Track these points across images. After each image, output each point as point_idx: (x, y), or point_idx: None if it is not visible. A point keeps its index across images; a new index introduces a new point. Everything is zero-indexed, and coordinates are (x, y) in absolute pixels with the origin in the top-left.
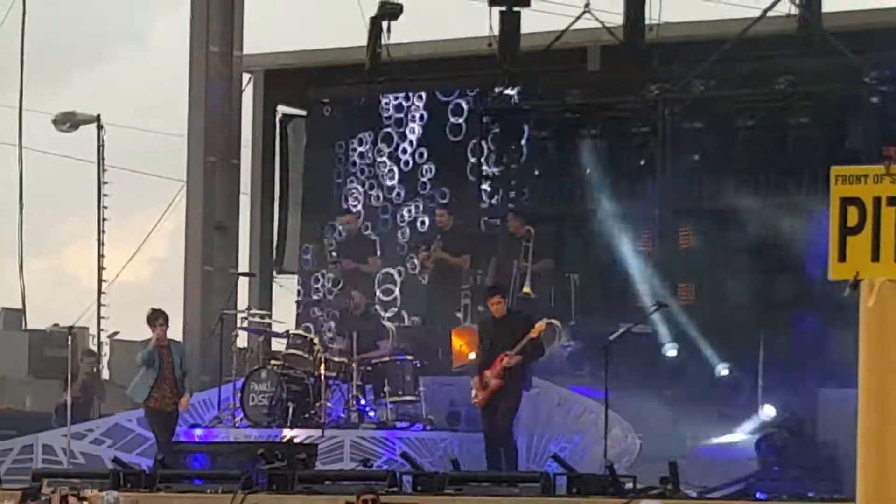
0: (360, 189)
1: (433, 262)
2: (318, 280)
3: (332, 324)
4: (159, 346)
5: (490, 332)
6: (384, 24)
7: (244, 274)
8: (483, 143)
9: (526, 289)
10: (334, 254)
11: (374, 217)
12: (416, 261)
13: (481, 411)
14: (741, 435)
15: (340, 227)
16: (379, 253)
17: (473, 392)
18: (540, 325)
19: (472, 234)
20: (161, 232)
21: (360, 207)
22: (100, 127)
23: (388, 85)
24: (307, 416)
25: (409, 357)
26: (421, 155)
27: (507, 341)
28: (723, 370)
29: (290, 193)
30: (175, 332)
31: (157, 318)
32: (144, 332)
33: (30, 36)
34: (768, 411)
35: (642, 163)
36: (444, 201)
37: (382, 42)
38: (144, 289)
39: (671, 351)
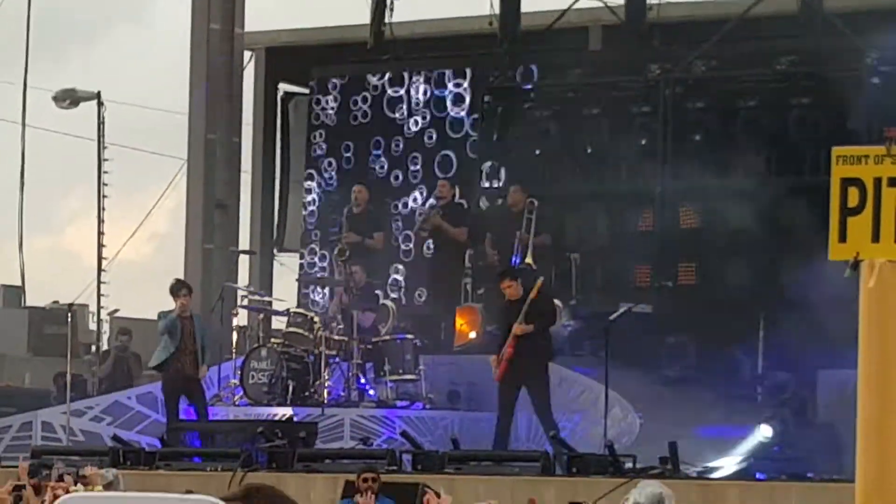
0: (366, 166)
1: (430, 227)
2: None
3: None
4: (181, 316)
5: (506, 313)
6: (388, 2)
7: (245, 252)
8: (484, 121)
9: (528, 259)
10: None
11: (378, 194)
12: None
13: (499, 386)
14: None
15: (353, 198)
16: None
17: (493, 369)
18: (538, 282)
19: (472, 209)
20: (161, 209)
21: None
22: (100, 104)
23: (390, 63)
24: (307, 394)
25: (410, 336)
26: (423, 132)
27: (521, 318)
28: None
29: (291, 171)
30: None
31: (180, 288)
32: (143, 310)
33: (30, 12)
34: (765, 431)
35: (643, 142)
36: (447, 175)
37: (386, 20)
38: (145, 266)
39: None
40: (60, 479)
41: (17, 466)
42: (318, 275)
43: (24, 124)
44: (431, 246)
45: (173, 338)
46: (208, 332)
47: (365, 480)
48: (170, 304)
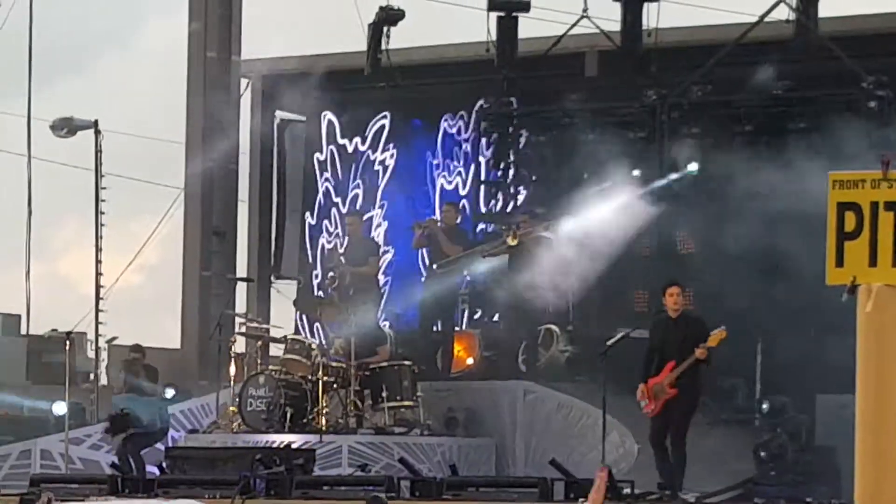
0: (361, 191)
1: (427, 237)
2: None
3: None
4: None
5: (661, 334)
6: (384, 29)
7: (242, 279)
8: (482, 147)
9: (511, 240)
10: (338, 257)
11: (373, 219)
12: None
13: (651, 420)
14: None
15: (347, 229)
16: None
17: (644, 402)
18: (718, 332)
19: (471, 235)
20: (155, 238)
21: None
22: (97, 132)
23: (387, 90)
24: (305, 421)
25: (408, 362)
26: (420, 159)
27: (678, 346)
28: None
29: (288, 199)
30: (173, 338)
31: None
32: (140, 338)
33: (26, 41)
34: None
35: (636, 173)
36: (452, 200)
37: (383, 47)
38: (141, 294)
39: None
40: None
41: (16, 495)
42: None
43: (29, 154)
44: (425, 269)
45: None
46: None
47: None
48: (165, 332)
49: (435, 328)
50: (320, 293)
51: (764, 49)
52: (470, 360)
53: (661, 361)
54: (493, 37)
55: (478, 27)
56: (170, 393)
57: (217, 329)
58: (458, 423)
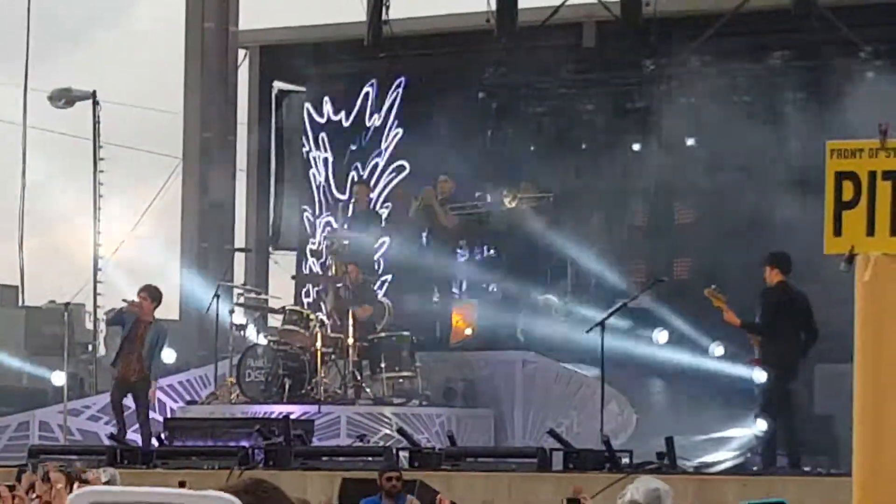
0: (360, 162)
1: (423, 204)
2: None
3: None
4: (139, 318)
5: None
6: None
7: (240, 250)
8: (480, 117)
9: (510, 202)
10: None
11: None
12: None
13: None
14: (738, 430)
15: (353, 198)
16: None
17: None
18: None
19: (467, 205)
20: (153, 209)
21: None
22: (96, 103)
23: (387, 61)
24: (303, 391)
25: (406, 333)
26: (419, 130)
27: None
28: (717, 349)
29: (287, 170)
30: (171, 309)
31: (142, 289)
32: None
33: (23, 12)
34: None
35: (636, 147)
36: (446, 171)
37: (383, 18)
38: (139, 266)
39: (662, 336)
40: (46, 478)
41: (14, 466)
42: (315, 271)
43: (24, 124)
44: (424, 239)
45: (122, 335)
46: (161, 345)
47: (389, 479)
48: (163, 303)
49: (434, 299)
50: (318, 263)
51: (762, 19)
52: (468, 331)
53: None
54: (493, 7)
55: None
56: (171, 355)
57: (215, 300)
58: (457, 394)
